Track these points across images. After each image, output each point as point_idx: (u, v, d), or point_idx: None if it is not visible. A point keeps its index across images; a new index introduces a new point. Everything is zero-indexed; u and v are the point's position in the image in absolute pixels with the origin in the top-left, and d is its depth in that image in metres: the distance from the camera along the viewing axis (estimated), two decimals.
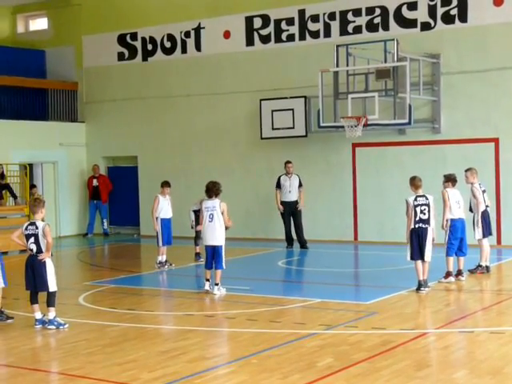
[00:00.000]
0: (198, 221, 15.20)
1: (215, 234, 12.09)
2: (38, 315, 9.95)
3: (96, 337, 9.38)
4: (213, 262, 12.21)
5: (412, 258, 11.87)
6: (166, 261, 15.20)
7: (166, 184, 15.35)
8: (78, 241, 21.56)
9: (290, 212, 17.89)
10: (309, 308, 10.94)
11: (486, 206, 13.56)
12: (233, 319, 10.36)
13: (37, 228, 9.91)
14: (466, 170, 13.51)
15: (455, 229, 12.68)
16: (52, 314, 9.87)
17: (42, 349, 9.11)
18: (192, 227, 15.89)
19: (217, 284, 12.12)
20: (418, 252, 11.79)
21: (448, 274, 12.63)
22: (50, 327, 9.79)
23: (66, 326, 9.83)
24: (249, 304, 11.21)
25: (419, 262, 11.80)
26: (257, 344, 8.78)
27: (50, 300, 9.92)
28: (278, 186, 17.94)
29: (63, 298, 11.31)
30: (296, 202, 17.86)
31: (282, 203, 17.87)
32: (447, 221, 12.70)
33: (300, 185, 17.86)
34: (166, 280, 14.46)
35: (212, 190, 12.19)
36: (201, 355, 8.40)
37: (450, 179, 12.85)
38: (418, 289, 11.77)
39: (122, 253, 19.36)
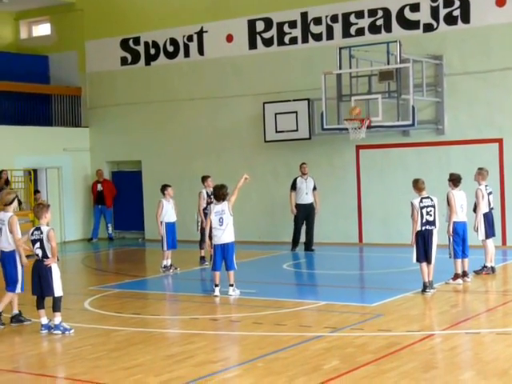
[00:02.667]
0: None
1: (226, 232, 12.13)
2: (44, 320, 9.96)
3: (102, 341, 9.38)
4: (222, 263, 12.19)
5: (418, 260, 11.86)
6: (170, 265, 15.20)
7: (166, 187, 15.32)
8: (82, 246, 21.57)
9: (305, 214, 17.71)
10: (314, 310, 10.93)
11: (491, 208, 13.58)
12: (238, 322, 10.36)
13: (41, 233, 9.93)
14: (479, 169, 13.56)
15: (459, 231, 12.67)
16: (58, 319, 9.87)
17: (47, 354, 9.11)
18: (197, 229, 15.90)
19: (231, 285, 12.14)
20: (423, 254, 11.79)
21: (456, 276, 12.61)
22: (55, 332, 9.81)
23: (72, 330, 9.84)
24: (254, 307, 11.20)
25: (424, 264, 11.79)
26: (262, 347, 8.77)
27: (56, 305, 9.93)
28: (294, 187, 17.74)
29: (68, 303, 11.32)
30: (311, 205, 17.72)
31: (298, 206, 17.70)
32: (453, 223, 12.67)
33: (314, 188, 17.76)
34: (171, 284, 14.46)
35: (218, 195, 12.24)
36: (207, 359, 8.40)
37: (454, 179, 12.79)
38: (424, 290, 11.76)
39: (126, 257, 19.37)
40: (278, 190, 19.77)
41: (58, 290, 9.95)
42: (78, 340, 9.50)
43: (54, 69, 23.61)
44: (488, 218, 13.46)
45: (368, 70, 17.24)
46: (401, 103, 16.55)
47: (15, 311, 10.51)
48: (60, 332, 9.80)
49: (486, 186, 13.50)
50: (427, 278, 11.80)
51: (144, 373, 7.89)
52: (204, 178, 16.03)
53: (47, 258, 9.90)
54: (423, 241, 11.79)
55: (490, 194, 13.55)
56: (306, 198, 17.65)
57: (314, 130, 18.68)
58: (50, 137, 21.93)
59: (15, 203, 10.70)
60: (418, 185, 11.98)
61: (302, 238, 18.00)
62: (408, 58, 16.54)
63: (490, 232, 13.49)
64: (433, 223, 11.81)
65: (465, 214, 12.82)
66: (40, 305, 10.03)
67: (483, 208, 13.36)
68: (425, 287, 11.78)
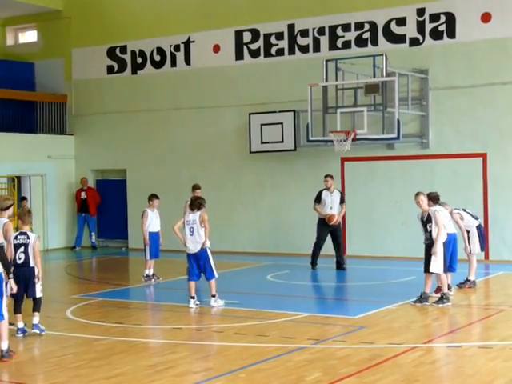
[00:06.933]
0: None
1: (196, 243, 12.08)
2: (21, 324, 10.11)
3: (83, 350, 9.33)
4: (200, 273, 12.14)
5: (444, 271, 11.98)
6: (153, 274, 15.16)
7: (154, 197, 15.35)
8: (65, 254, 21.46)
9: (329, 229, 16.38)
10: (297, 322, 10.92)
11: (477, 220, 13.62)
12: (221, 333, 10.33)
13: (28, 238, 10.10)
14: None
15: (447, 244, 12.62)
16: (37, 318, 10.12)
17: (28, 362, 9.04)
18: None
19: (213, 296, 12.06)
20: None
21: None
22: (34, 331, 10.04)
23: (44, 332, 10.10)
24: (237, 318, 11.18)
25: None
26: (245, 358, 8.75)
27: (37, 305, 10.16)
28: (318, 200, 16.41)
29: (50, 312, 11.26)
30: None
31: (321, 220, 16.43)
32: None
33: (342, 201, 16.42)
34: (153, 293, 14.41)
35: (194, 203, 12.26)
36: (188, 369, 8.37)
37: (432, 197, 12.46)
38: (447, 299, 11.87)
39: (109, 266, 19.28)
40: (263, 201, 19.79)
41: (39, 292, 10.17)
42: (59, 349, 9.45)
43: (39, 76, 23.54)
44: (480, 230, 13.49)
45: (354, 83, 17.31)
46: (386, 116, 16.63)
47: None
48: (38, 331, 10.04)
49: (463, 209, 13.47)
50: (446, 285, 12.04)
51: (125, 382, 7.85)
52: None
53: (28, 263, 10.00)
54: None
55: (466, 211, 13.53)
56: (331, 212, 16.27)
57: (300, 141, 18.71)
58: (34, 144, 21.83)
59: (11, 210, 10.59)
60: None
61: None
62: (394, 71, 16.63)
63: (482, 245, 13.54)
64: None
65: (452, 225, 12.78)
66: (18, 309, 10.12)
67: (473, 223, 13.35)
68: (446, 297, 11.83)
